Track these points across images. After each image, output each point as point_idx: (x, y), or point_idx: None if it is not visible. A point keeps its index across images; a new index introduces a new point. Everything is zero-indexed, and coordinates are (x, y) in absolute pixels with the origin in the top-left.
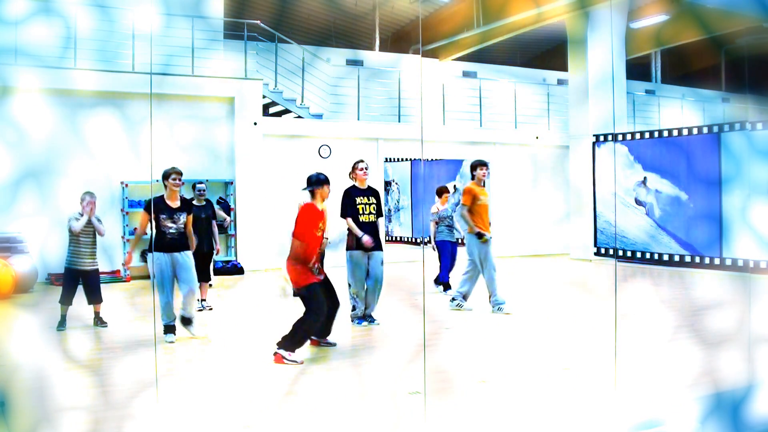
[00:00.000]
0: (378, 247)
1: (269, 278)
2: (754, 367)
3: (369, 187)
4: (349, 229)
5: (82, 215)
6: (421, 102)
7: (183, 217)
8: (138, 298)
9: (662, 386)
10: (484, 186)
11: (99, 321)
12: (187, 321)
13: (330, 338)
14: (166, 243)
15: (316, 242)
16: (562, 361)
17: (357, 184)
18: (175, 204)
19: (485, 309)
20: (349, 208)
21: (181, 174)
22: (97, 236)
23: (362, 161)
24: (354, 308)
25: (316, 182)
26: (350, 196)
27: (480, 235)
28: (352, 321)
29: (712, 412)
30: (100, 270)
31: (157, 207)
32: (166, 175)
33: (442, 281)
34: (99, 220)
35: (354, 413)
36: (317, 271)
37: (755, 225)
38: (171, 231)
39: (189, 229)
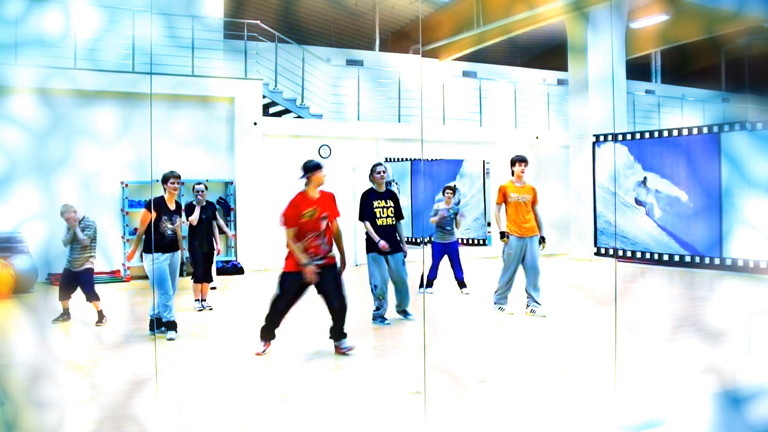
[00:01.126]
0: (397, 248)
1: (269, 278)
2: (755, 367)
3: (387, 190)
4: (366, 232)
5: (69, 229)
6: (421, 102)
7: (178, 220)
8: (138, 298)
9: (662, 386)
10: (523, 183)
11: (99, 318)
12: (172, 325)
13: (346, 342)
14: (165, 243)
15: (304, 228)
16: (562, 361)
17: (375, 187)
18: (172, 206)
19: (485, 309)
20: (366, 212)
21: (179, 178)
22: (95, 238)
23: (380, 164)
24: (378, 308)
25: (310, 168)
26: (367, 199)
27: (501, 235)
28: (374, 320)
29: (713, 412)
30: (100, 270)
31: (158, 207)
32: (165, 179)
33: (428, 278)
34: (83, 226)
35: (354, 413)
36: (318, 258)
37: (755, 225)
38: (169, 232)
39: (179, 232)
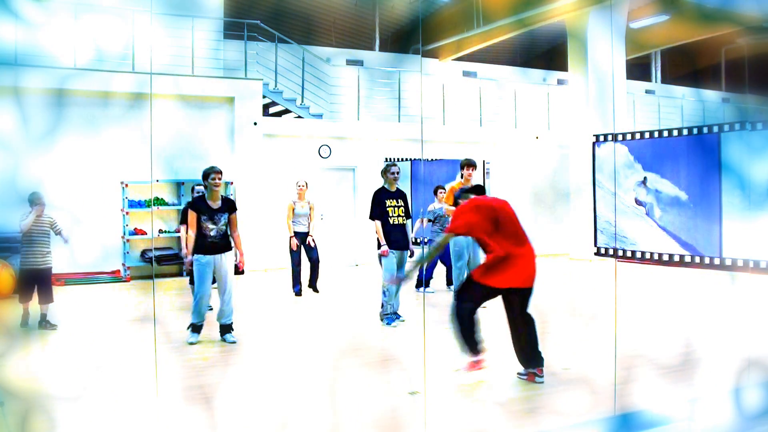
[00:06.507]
0: (406, 246)
1: (269, 278)
2: (754, 366)
3: (397, 189)
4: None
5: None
6: (421, 102)
7: (224, 218)
8: (138, 299)
9: (662, 386)
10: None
11: (46, 323)
12: (227, 329)
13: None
14: (208, 244)
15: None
16: (562, 361)
17: (387, 186)
18: (216, 204)
19: (484, 308)
20: (377, 210)
21: (220, 173)
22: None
23: (395, 165)
24: (383, 306)
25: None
26: (380, 198)
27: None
28: (381, 320)
29: (712, 412)
30: (100, 270)
31: (197, 207)
32: (205, 175)
33: (421, 278)
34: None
35: (354, 413)
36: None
37: (755, 225)
38: (212, 233)
39: (234, 230)
